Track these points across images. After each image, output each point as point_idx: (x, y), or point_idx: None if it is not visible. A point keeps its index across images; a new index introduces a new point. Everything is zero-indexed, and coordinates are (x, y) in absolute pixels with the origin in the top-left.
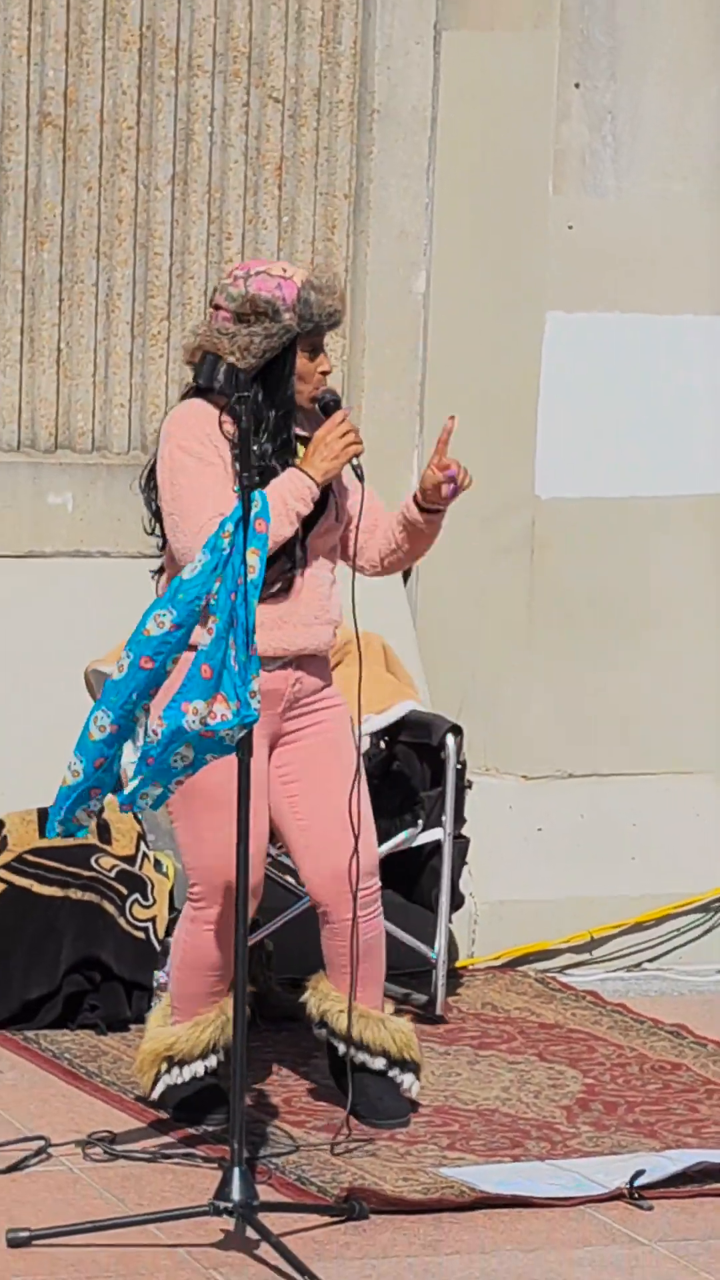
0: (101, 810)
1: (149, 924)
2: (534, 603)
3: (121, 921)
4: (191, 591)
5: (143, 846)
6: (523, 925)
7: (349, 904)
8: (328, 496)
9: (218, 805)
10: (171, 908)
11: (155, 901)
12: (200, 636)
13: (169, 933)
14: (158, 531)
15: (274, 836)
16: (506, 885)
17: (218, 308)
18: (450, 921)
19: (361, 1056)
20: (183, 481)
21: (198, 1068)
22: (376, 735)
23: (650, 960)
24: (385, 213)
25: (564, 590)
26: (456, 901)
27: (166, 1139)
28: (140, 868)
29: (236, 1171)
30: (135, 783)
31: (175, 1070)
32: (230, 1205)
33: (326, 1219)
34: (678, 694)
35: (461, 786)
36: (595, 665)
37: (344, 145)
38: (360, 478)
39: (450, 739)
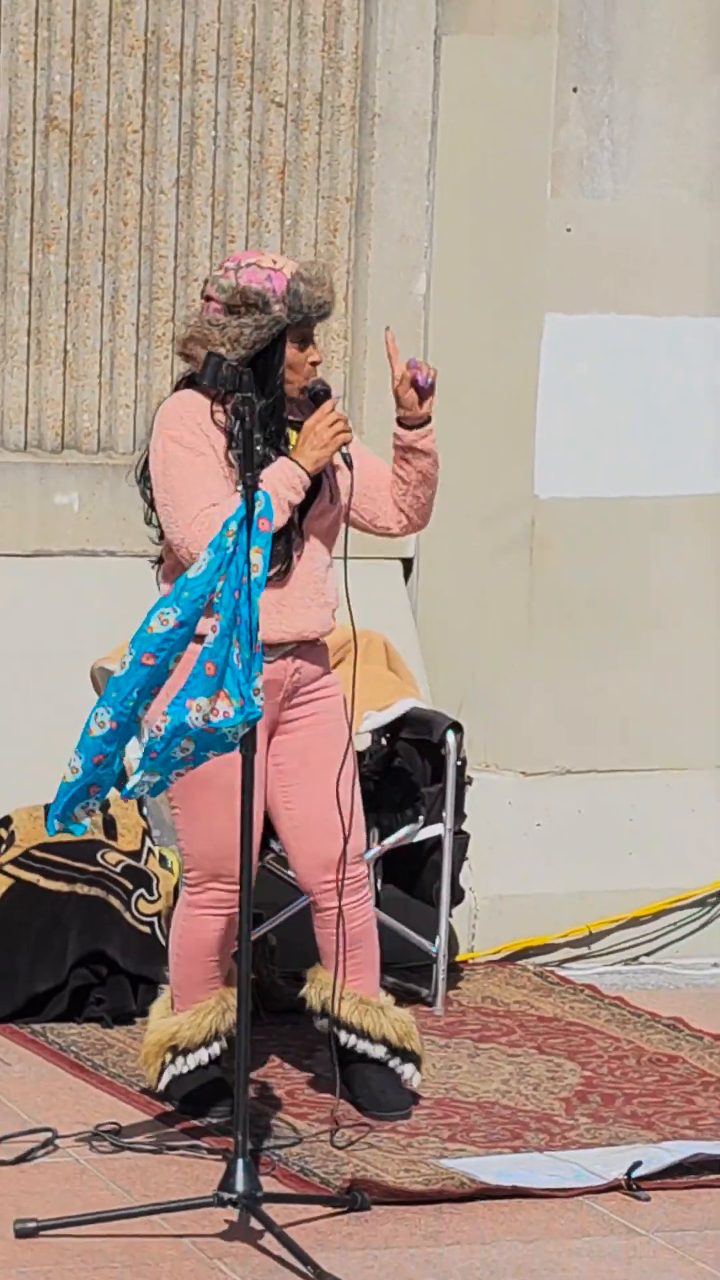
0: (107, 806)
1: (154, 919)
2: (533, 602)
3: (127, 916)
4: (196, 590)
5: (148, 842)
6: (522, 920)
7: (337, 894)
8: (321, 480)
9: (214, 789)
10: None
11: (160, 896)
12: (206, 627)
13: None
14: (154, 521)
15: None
16: (506, 880)
17: (209, 299)
18: (450, 916)
19: (363, 1045)
20: (175, 472)
21: (201, 1055)
22: (378, 732)
23: (648, 954)
24: (386, 216)
25: (563, 590)
26: (457, 896)
27: (172, 1131)
28: (145, 863)
29: (240, 1163)
30: (138, 776)
31: (180, 1060)
32: (234, 1196)
33: (329, 1210)
34: (676, 693)
35: (462, 783)
36: (594, 664)
37: (346, 149)
38: (349, 465)
39: (451, 736)
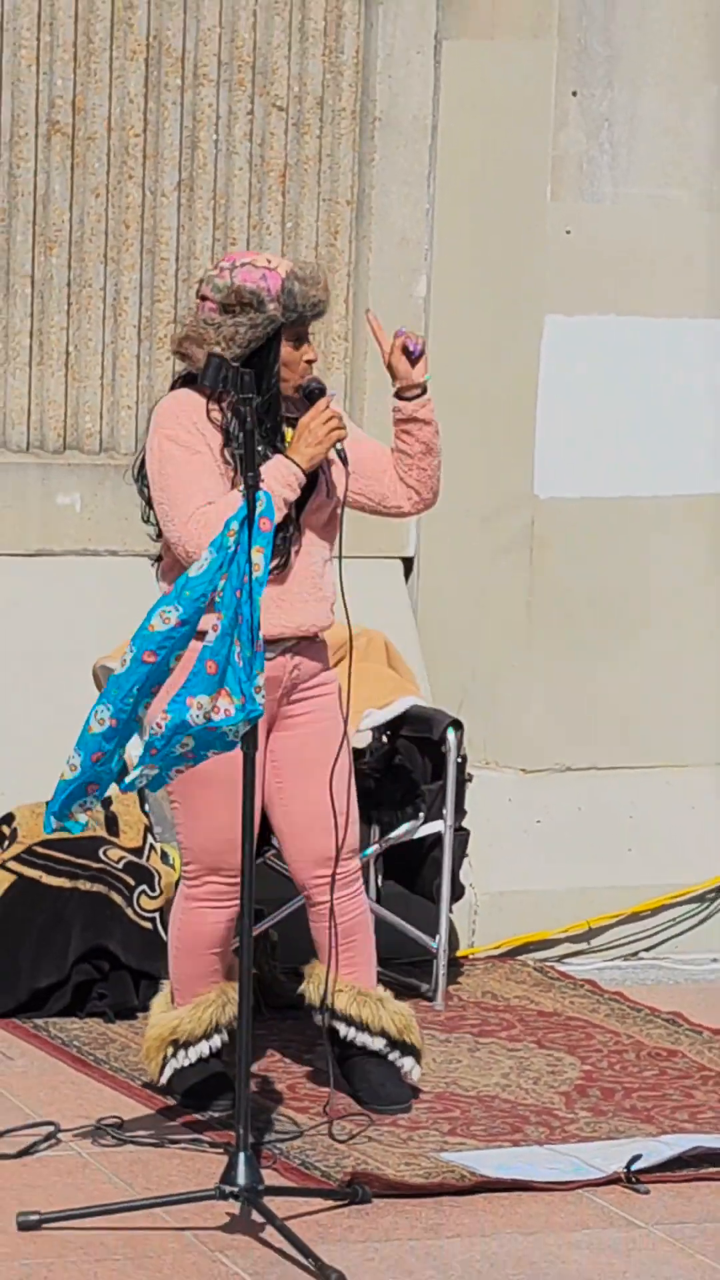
0: (109, 803)
1: (156, 914)
2: (533, 601)
3: (129, 912)
4: (198, 589)
5: (149, 839)
6: (522, 915)
7: (329, 888)
8: (317, 477)
9: (212, 783)
10: None
11: (162, 893)
12: (207, 625)
13: None
14: (152, 520)
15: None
16: (506, 876)
17: (204, 299)
18: (451, 912)
19: (362, 1038)
20: (171, 471)
21: (202, 1048)
22: (379, 729)
23: (647, 949)
24: (387, 219)
25: (563, 589)
26: (457, 892)
27: (173, 1125)
28: (147, 859)
29: (242, 1156)
30: (138, 770)
31: (181, 1053)
32: (236, 1189)
33: (330, 1203)
34: (675, 691)
35: (462, 780)
36: (594, 663)
37: (346, 153)
38: (344, 461)
39: (451, 733)
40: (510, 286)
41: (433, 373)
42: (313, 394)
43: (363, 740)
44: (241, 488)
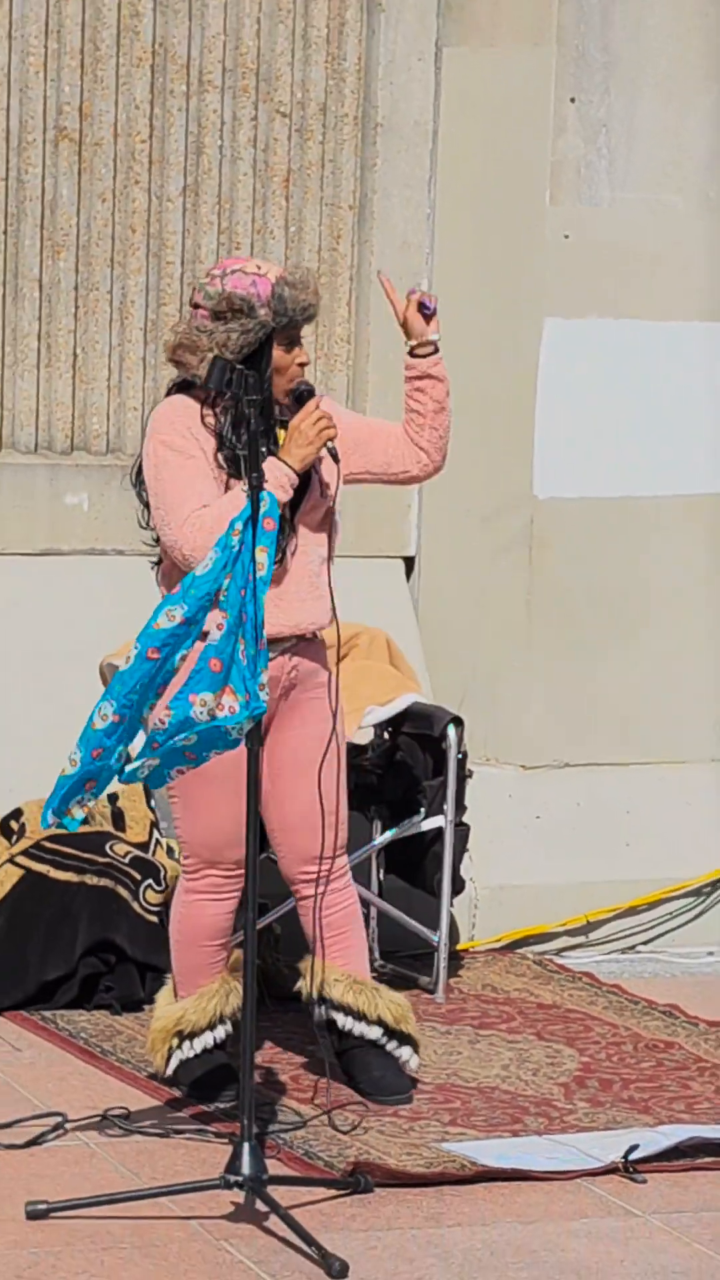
0: (115, 799)
1: (161, 908)
2: (533, 600)
3: (135, 906)
4: (203, 587)
5: (155, 834)
6: (521, 909)
7: (321, 883)
8: (309, 477)
9: (211, 779)
10: None
11: (167, 887)
12: (211, 624)
13: None
14: (150, 525)
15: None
16: (506, 871)
17: (196, 306)
18: (452, 906)
19: (359, 1028)
20: (166, 476)
21: (207, 1039)
22: (380, 726)
23: (644, 943)
24: (388, 223)
25: (562, 588)
26: (458, 886)
27: (179, 1115)
28: (153, 854)
29: (246, 1146)
30: (138, 762)
31: (186, 1044)
32: (240, 1179)
33: (333, 1192)
34: (673, 689)
35: (462, 776)
36: (593, 661)
37: (349, 158)
38: (335, 459)
39: (452, 730)
40: (510, 289)
41: (434, 296)
42: (302, 396)
43: (365, 736)
44: (244, 486)
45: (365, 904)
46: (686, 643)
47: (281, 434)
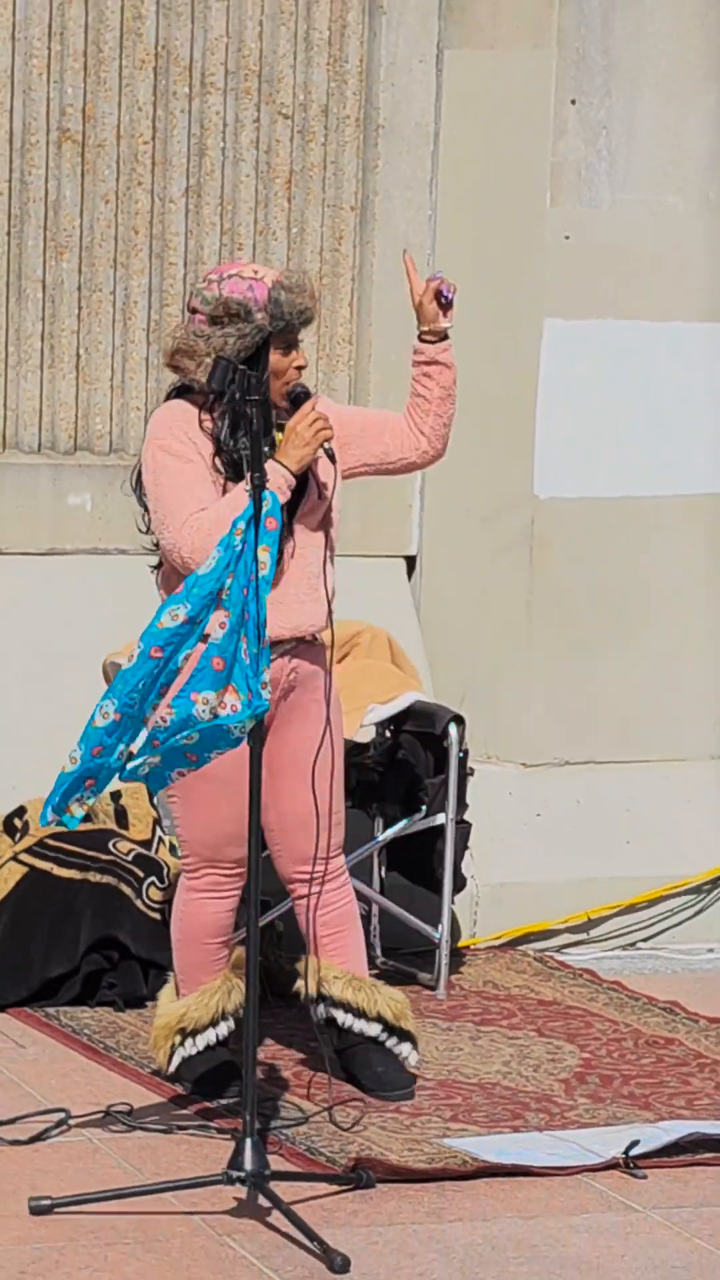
0: (119, 796)
1: (164, 905)
2: (533, 600)
3: (138, 903)
4: (206, 586)
5: (158, 831)
6: (522, 906)
7: (316, 883)
8: (306, 478)
9: (210, 778)
10: None
11: (170, 884)
12: (214, 625)
13: None
14: (150, 528)
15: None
16: (507, 868)
17: (194, 311)
18: (453, 903)
19: (359, 1024)
20: (164, 480)
21: (209, 1036)
22: (382, 724)
23: (645, 940)
24: (390, 224)
25: (562, 588)
26: (459, 884)
27: (182, 1111)
28: (156, 852)
29: (249, 1142)
30: (139, 759)
31: (189, 1041)
32: (243, 1175)
33: (335, 1188)
34: (673, 687)
35: (464, 774)
36: (593, 660)
37: (350, 159)
38: (332, 459)
39: (453, 728)
40: (510, 290)
41: (453, 286)
42: (298, 398)
43: (367, 735)
44: (245, 486)
45: (367, 901)
46: (686, 642)
47: (278, 436)
